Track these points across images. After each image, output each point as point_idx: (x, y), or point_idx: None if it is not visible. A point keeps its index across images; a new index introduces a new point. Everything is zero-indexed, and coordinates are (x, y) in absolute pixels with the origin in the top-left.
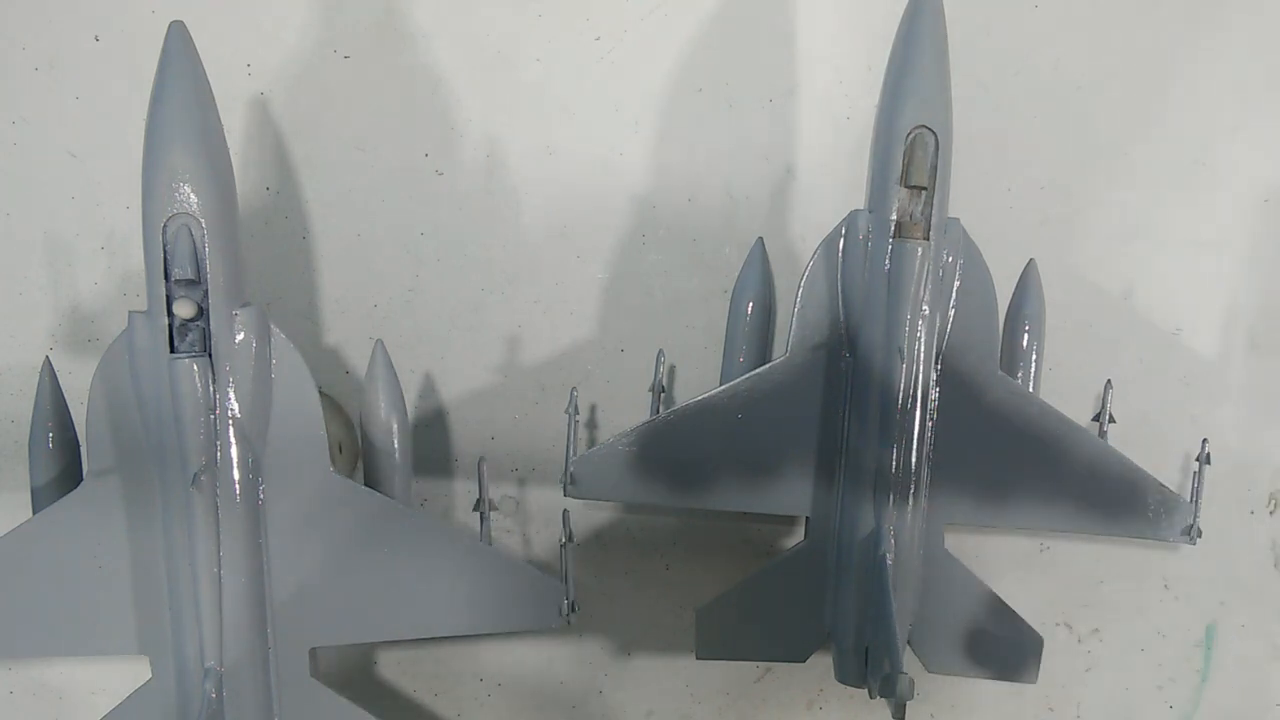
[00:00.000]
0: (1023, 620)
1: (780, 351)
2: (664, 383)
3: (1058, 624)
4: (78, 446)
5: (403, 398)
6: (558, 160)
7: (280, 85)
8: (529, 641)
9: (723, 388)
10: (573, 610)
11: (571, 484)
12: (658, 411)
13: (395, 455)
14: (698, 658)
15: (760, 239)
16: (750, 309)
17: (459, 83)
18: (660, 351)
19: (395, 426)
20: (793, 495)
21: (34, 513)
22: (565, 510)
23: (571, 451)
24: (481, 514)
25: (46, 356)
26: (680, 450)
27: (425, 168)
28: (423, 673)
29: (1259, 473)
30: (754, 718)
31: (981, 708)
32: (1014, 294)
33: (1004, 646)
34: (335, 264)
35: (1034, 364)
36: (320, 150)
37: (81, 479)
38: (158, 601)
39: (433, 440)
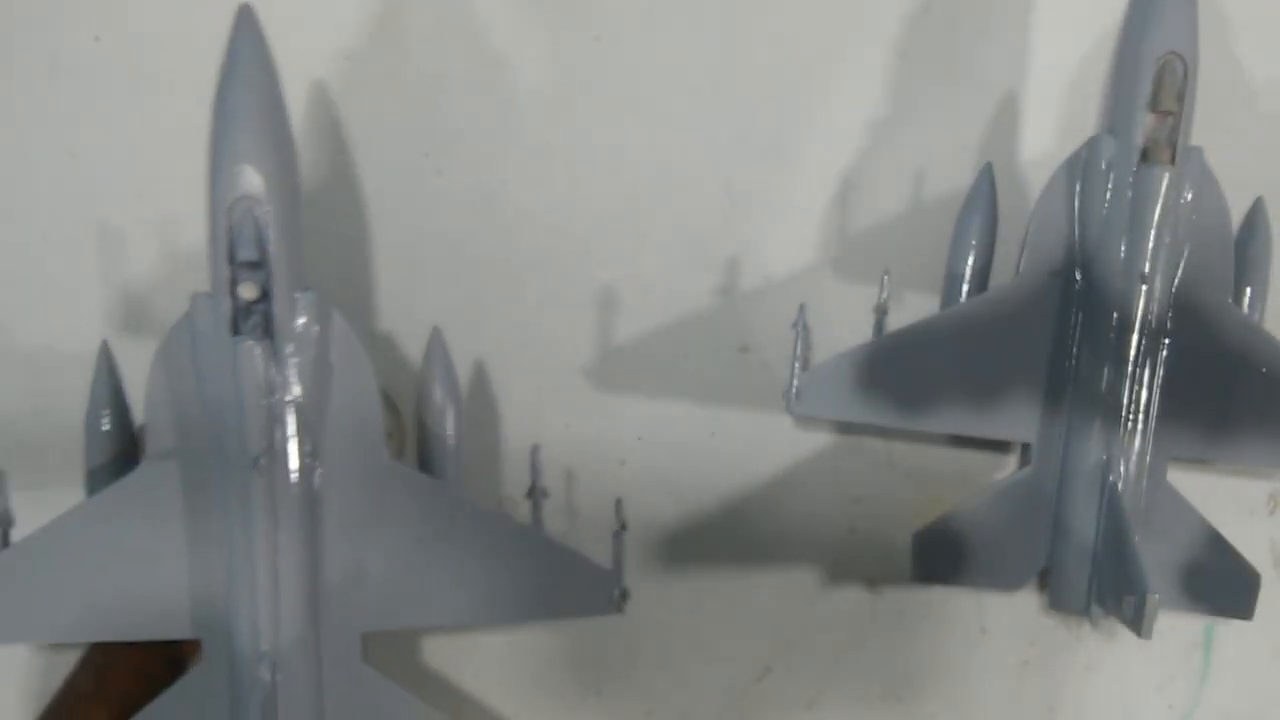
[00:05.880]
0: (1241, 556)
1: (1004, 277)
2: (886, 304)
3: (1057, 624)
4: (132, 431)
5: (458, 385)
6: (557, 160)
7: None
8: (529, 641)
9: (951, 309)
10: (624, 598)
11: (796, 399)
12: (880, 331)
13: (449, 441)
14: (913, 580)
15: (989, 164)
16: (976, 231)
17: (459, 83)
18: (885, 270)
19: (451, 414)
20: (1018, 421)
21: (88, 495)
22: (618, 499)
23: (797, 367)
24: (534, 501)
25: (104, 340)
26: (906, 370)
27: (425, 168)
28: (423, 672)
29: (1259, 473)
30: (754, 718)
31: (982, 707)
32: (1240, 231)
33: (1221, 582)
34: (335, 264)
35: (1260, 303)
36: (321, 150)
37: (135, 463)
38: (212, 584)
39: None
